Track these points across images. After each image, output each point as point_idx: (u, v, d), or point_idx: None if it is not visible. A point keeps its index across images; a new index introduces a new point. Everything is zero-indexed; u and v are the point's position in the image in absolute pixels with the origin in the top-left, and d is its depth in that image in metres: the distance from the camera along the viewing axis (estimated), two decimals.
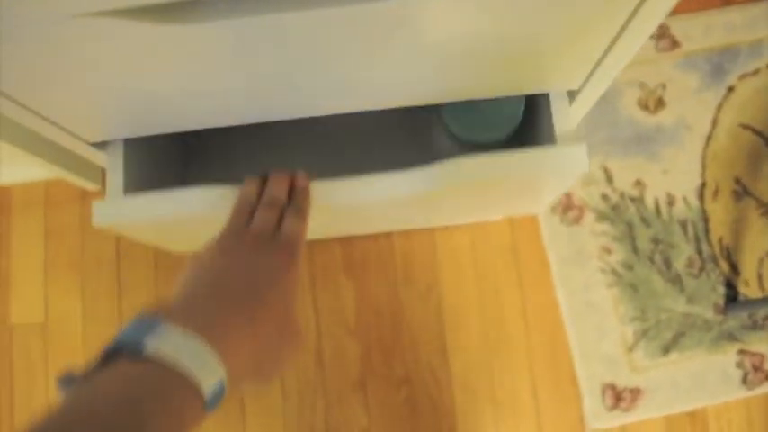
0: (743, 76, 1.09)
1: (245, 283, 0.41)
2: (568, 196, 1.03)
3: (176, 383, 0.32)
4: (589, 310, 1.00)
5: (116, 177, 0.60)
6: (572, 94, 0.58)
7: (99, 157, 0.62)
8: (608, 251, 1.02)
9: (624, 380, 0.99)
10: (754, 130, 1.07)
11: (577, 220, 1.03)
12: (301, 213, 0.50)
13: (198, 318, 0.36)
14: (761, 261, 1.03)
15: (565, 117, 0.57)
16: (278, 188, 0.52)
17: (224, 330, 0.37)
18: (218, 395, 0.34)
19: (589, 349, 0.99)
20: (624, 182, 1.05)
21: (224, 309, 0.39)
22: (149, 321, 0.34)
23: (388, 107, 0.56)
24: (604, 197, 1.04)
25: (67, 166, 0.94)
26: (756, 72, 1.10)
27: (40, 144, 0.85)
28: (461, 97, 0.56)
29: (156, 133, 0.58)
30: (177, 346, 0.33)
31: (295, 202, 0.51)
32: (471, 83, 0.53)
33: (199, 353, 0.33)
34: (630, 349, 0.99)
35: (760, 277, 1.02)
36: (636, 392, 0.98)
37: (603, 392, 0.98)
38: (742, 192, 1.05)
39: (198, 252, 0.45)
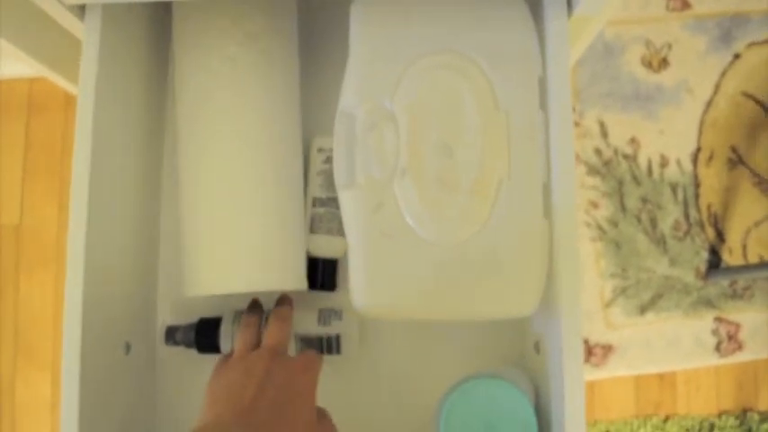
0: (751, 45, 1.07)
1: (270, 395, 0.44)
2: None
3: None
4: None
5: (92, 49, 0.57)
6: None
7: (78, 29, 0.60)
8: (595, 206, 1.01)
9: (597, 335, 0.98)
10: (756, 100, 1.05)
11: None
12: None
13: None
14: (747, 231, 1.02)
15: None
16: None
17: None
18: None
19: None
20: (619, 138, 1.03)
21: (252, 427, 0.42)
22: None
23: None
24: (597, 151, 1.02)
25: (51, 60, 0.91)
26: (766, 41, 1.07)
27: (27, 35, 0.83)
28: None
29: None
30: None
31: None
32: None
33: None
34: (607, 305, 0.99)
35: (744, 247, 1.01)
36: (608, 349, 0.98)
37: None
38: (737, 160, 1.04)
39: (214, 374, 0.48)
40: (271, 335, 0.50)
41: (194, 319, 0.58)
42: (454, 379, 0.52)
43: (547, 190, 0.52)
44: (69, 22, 0.60)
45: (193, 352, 0.57)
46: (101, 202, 0.52)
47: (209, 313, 0.59)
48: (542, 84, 0.53)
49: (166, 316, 0.61)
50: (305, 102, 0.62)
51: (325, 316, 0.57)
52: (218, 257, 0.54)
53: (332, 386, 0.46)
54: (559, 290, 0.49)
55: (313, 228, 0.59)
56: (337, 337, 0.57)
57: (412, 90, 0.52)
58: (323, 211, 0.59)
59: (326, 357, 0.56)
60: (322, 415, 0.47)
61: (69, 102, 1.05)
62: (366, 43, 0.54)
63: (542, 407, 0.54)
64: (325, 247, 0.60)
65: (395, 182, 0.51)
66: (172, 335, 0.58)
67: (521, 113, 0.52)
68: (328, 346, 0.57)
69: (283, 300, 0.56)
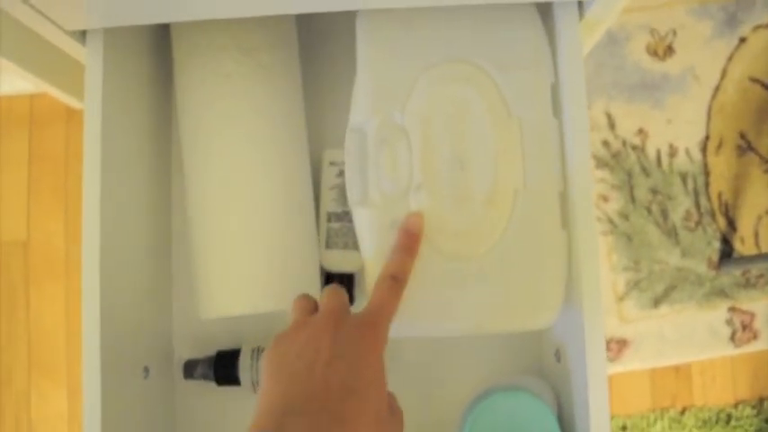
0: (757, 28, 1.05)
1: (341, 373, 0.39)
2: None
3: None
4: None
5: (95, 74, 0.57)
6: None
7: (80, 52, 0.59)
8: (605, 199, 1.00)
9: (612, 330, 0.98)
10: (763, 84, 1.04)
11: None
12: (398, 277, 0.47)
13: None
14: (759, 218, 1.01)
15: None
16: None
17: None
18: None
19: None
20: (627, 129, 1.02)
21: (324, 420, 0.37)
22: None
23: None
24: (605, 143, 1.01)
25: (52, 75, 0.90)
26: None
27: (26, 52, 0.82)
28: None
29: (138, 23, 0.54)
30: None
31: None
32: None
33: None
34: (621, 299, 0.98)
35: (756, 235, 1.01)
36: (622, 343, 0.97)
37: None
38: (746, 147, 1.03)
39: (272, 347, 0.42)
40: (329, 298, 0.44)
41: (212, 349, 0.58)
42: (475, 391, 0.52)
43: (563, 199, 0.51)
44: (70, 46, 0.59)
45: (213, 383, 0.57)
46: (112, 224, 0.52)
47: (226, 345, 0.58)
48: (555, 90, 0.53)
49: (183, 347, 0.60)
50: (315, 115, 0.61)
51: None
52: (231, 279, 0.53)
53: None
54: (581, 298, 0.48)
55: (328, 243, 0.59)
56: None
57: (422, 102, 0.52)
58: (338, 225, 0.59)
59: None
60: (393, 401, 0.43)
61: (71, 115, 1.04)
62: (373, 57, 0.53)
63: (564, 415, 0.53)
64: (341, 263, 0.59)
65: (410, 197, 0.50)
66: (190, 370, 0.57)
67: (534, 121, 0.51)
68: None
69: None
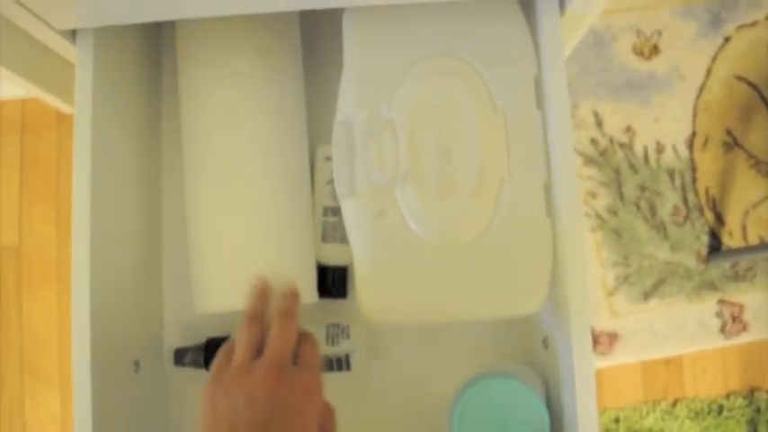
0: (740, 27, 1.07)
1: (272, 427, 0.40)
2: None
3: None
4: None
5: (85, 73, 0.57)
6: None
7: (70, 52, 0.60)
8: (593, 195, 1.01)
9: (602, 324, 0.98)
10: (748, 83, 1.06)
11: None
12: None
13: None
14: (746, 213, 1.02)
15: None
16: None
17: None
18: None
19: None
20: (614, 127, 1.03)
21: None
22: None
23: None
24: (593, 141, 1.02)
25: (44, 80, 0.91)
26: (755, 24, 1.08)
27: (18, 57, 0.82)
28: None
29: (129, 22, 0.55)
30: None
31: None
32: None
33: None
34: (611, 294, 0.99)
35: (744, 228, 1.02)
36: (613, 337, 0.98)
37: None
38: (732, 143, 1.04)
39: (211, 388, 0.42)
40: (274, 340, 0.44)
41: (202, 339, 0.58)
42: (464, 380, 0.53)
43: (548, 188, 0.52)
44: (61, 46, 0.60)
45: (204, 370, 0.57)
46: (102, 221, 0.52)
47: (216, 332, 0.59)
48: (538, 83, 0.54)
49: (173, 338, 0.61)
50: (310, 112, 0.62)
51: (333, 334, 0.57)
52: (226, 274, 0.54)
53: (342, 399, 0.46)
54: (567, 286, 0.49)
55: (324, 237, 0.60)
56: (347, 356, 0.57)
57: (409, 95, 0.53)
58: (334, 219, 0.59)
59: (336, 373, 0.56)
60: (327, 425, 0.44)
61: (62, 120, 1.05)
62: (360, 51, 0.54)
63: (552, 402, 0.54)
64: (337, 256, 0.60)
65: (396, 188, 0.51)
66: (180, 357, 0.58)
67: (518, 113, 0.53)
68: (338, 364, 0.57)
69: (288, 295, 0.49)
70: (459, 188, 0.51)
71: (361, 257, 0.51)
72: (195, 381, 0.59)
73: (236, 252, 0.54)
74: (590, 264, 0.99)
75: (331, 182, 0.60)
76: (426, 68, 0.53)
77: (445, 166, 0.52)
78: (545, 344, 0.56)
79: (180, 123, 0.59)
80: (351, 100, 0.53)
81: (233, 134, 0.55)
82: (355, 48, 0.54)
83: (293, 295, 0.49)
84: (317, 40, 0.65)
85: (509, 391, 0.51)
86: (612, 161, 1.01)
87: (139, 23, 0.57)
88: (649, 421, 0.95)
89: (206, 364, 0.57)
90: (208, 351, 0.57)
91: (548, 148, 0.53)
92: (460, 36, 0.55)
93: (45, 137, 1.05)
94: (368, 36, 0.55)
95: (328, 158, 0.61)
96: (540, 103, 0.53)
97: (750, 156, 1.03)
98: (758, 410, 0.97)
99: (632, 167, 1.02)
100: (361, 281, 0.51)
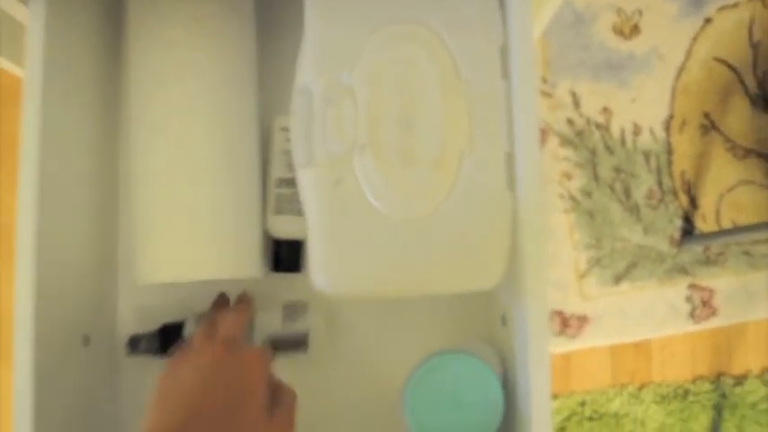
0: (722, 8, 1.06)
1: (219, 398, 0.43)
2: None
3: None
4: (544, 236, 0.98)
5: (36, 35, 0.54)
6: None
7: (23, 13, 0.57)
8: (568, 177, 1.00)
9: (572, 307, 0.98)
10: (728, 65, 1.05)
11: (540, 144, 1.00)
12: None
13: None
14: (720, 196, 1.02)
15: None
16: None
17: None
18: None
19: None
20: (591, 108, 1.02)
21: None
22: None
23: None
24: (570, 122, 1.01)
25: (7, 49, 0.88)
26: (736, 5, 1.06)
27: None
28: None
29: None
30: None
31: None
32: None
33: None
34: (582, 276, 0.98)
35: (718, 213, 1.01)
36: (583, 320, 0.98)
37: (551, 318, 0.97)
38: (709, 126, 1.03)
39: (165, 371, 0.45)
40: (224, 325, 0.49)
41: (156, 325, 0.57)
42: (422, 355, 0.52)
43: (511, 160, 0.51)
44: (12, 7, 0.57)
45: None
46: (52, 192, 0.50)
47: (171, 317, 0.57)
48: (505, 52, 0.52)
49: (128, 322, 0.59)
50: (266, 81, 0.60)
51: (290, 313, 0.56)
52: (170, 244, 0.52)
53: (301, 378, 0.45)
54: (524, 262, 0.48)
55: (278, 209, 0.58)
56: (305, 335, 0.56)
57: (370, 63, 0.51)
58: (288, 191, 0.58)
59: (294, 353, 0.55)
60: (276, 404, 0.45)
61: None
62: (322, 17, 0.52)
63: (510, 380, 0.53)
64: (291, 229, 0.58)
65: (354, 157, 0.49)
66: (135, 344, 0.56)
67: (482, 83, 0.51)
68: (296, 344, 0.56)
69: (241, 298, 0.55)
70: (418, 159, 0.50)
71: (316, 229, 0.50)
72: (149, 366, 0.58)
73: (180, 223, 0.52)
74: (563, 245, 0.98)
75: (286, 153, 0.58)
76: (389, 35, 0.52)
77: (405, 137, 0.50)
78: (503, 321, 0.55)
79: (129, 95, 0.57)
80: (310, 67, 0.51)
81: (171, 103, 0.54)
82: (316, 13, 0.52)
83: (246, 298, 0.55)
84: (276, 10, 0.63)
85: (463, 368, 0.50)
86: (589, 142, 1.00)
87: None
88: (615, 405, 0.95)
89: (162, 351, 0.55)
90: (163, 337, 0.55)
91: (511, 120, 0.51)
92: (426, 3, 0.53)
93: (11, 112, 1.03)
94: (330, 1, 0.53)
95: (284, 129, 0.59)
96: (505, 73, 0.52)
97: (727, 139, 1.02)
98: (723, 395, 0.97)
99: (608, 149, 1.01)
100: (315, 252, 0.50)
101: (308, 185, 0.50)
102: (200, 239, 0.53)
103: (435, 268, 0.50)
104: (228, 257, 0.53)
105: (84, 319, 0.55)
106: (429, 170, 0.50)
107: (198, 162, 0.54)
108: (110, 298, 0.60)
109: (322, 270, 0.50)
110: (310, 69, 0.51)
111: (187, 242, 0.53)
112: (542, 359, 0.47)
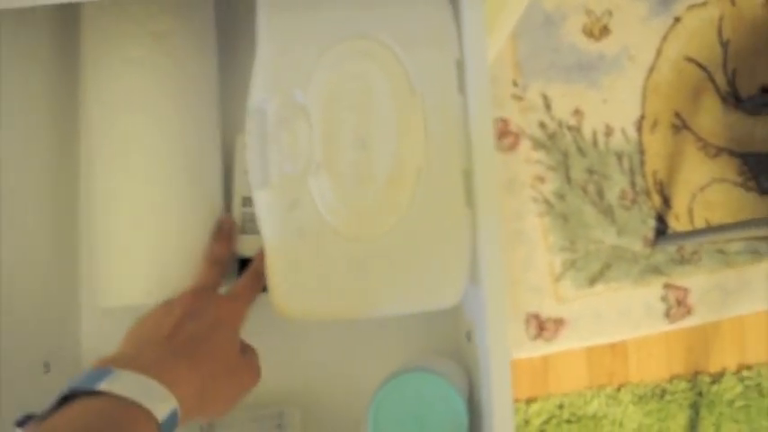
0: (691, 7, 1.06)
1: (188, 330, 0.44)
2: (505, 122, 1.00)
3: (131, 412, 0.36)
4: (518, 239, 0.98)
5: None
6: None
7: None
8: (541, 180, 1.00)
9: (548, 310, 0.98)
10: (698, 64, 1.05)
11: (512, 148, 1.00)
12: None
13: (144, 362, 0.40)
14: (693, 196, 1.02)
15: None
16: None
17: (170, 369, 0.40)
18: (172, 422, 0.38)
19: (515, 278, 0.98)
20: (563, 110, 1.02)
21: (168, 353, 0.42)
22: (99, 370, 0.37)
23: None
24: (542, 125, 1.01)
25: None
26: (705, 4, 1.06)
27: None
28: None
29: (27, 5, 0.52)
30: (127, 384, 0.37)
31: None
32: None
33: (148, 386, 0.37)
34: (557, 279, 0.98)
35: (691, 212, 1.02)
36: (559, 323, 0.98)
37: (527, 322, 0.97)
38: (681, 125, 1.03)
39: (139, 319, 0.46)
40: (200, 276, 0.50)
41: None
42: (388, 373, 0.51)
43: (468, 177, 0.50)
44: None
45: None
46: (8, 213, 0.49)
47: None
48: (461, 67, 0.52)
49: (91, 348, 0.58)
50: (230, 99, 0.59)
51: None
52: (132, 266, 0.52)
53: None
54: (484, 277, 0.48)
55: (244, 228, 0.57)
56: None
57: (324, 80, 0.50)
58: (253, 210, 0.57)
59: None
60: (247, 349, 0.47)
61: None
62: (274, 34, 0.51)
63: (475, 395, 0.53)
64: (255, 247, 0.57)
65: (309, 178, 0.49)
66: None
67: (437, 98, 0.50)
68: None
69: (218, 233, 0.54)
70: (374, 177, 0.49)
71: (273, 251, 0.49)
72: None
73: (138, 245, 0.52)
74: (537, 249, 0.98)
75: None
76: (343, 51, 0.51)
77: (360, 155, 0.50)
78: (468, 337, 0.54)
79: (84, 113, 0.57)
80: (263, 86, 0.51)
81: (132, 122, 0.53)
82: (267, 30, 0.52)
83: (223, 234, 0.54)
84: (238, 26, 0.63)
85: (426, 385, 0.49)
86: (561, 144, 1.00)
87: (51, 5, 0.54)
88: (593, 407, 0.96)
89: None
90: None
91: (468, 135, 0.51)
92: (379, 18, 0.52)
93: None
94: (283, 17, 0.52)
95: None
96: (462, 88, 0.51)
97: (698, 138, 1.03)
98: (700, 394, 0.97)
99: (580, 151, 1.01)
100: (273, 275, 0.49)
101: (264, 207, 0.50)
102: (163, 261, 0.52)
103: (395, 287, 0.49)
104: (190, 279, 0.52)
105: (44, 346, 0.54)
106: (384, 188, 0.49)
107: (159, 182, 0.53)
108: (72, 323, 0.59)
109: (280, 292, 0.49)
110: (263, 88, 0.51)
111: (150, 263, 0.52)
112: (504, 375, 0.47)
